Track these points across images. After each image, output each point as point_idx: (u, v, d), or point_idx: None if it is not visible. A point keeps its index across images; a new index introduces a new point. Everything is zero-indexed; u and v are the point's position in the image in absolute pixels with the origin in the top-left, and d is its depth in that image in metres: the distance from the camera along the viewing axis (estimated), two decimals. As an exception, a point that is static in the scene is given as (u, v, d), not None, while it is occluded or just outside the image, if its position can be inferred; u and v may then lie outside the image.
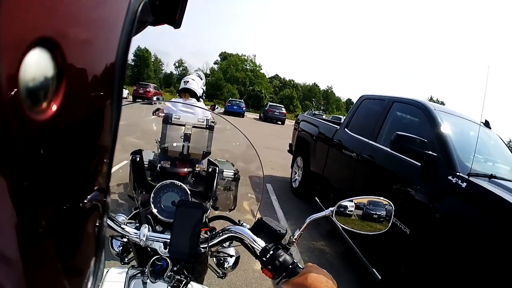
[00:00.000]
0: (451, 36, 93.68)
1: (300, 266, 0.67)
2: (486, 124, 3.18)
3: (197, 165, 1.20)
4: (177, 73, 56.58)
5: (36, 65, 0.19)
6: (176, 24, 0.41)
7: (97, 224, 0.30)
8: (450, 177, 2.10)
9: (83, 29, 0.23)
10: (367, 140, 3.32)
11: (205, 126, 1.22)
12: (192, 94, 3.14)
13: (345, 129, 3.84)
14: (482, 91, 1.96)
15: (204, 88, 3.59)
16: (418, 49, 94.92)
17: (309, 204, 4.79)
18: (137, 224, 0.84)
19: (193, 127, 1.19)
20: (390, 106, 3.30)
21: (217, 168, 0.93)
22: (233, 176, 1.10)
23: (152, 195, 0.88)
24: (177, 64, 57.41)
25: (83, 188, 0.27)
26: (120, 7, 0.26)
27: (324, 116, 27.65)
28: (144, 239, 0.76)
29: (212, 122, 1.24)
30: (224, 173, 1.10)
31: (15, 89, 0.18)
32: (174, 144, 1.18)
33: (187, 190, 0.90)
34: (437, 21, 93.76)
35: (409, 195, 2.39)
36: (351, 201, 0.77)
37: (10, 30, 0.17)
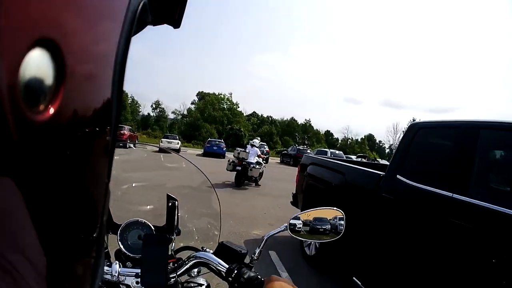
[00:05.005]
0: (432, 54, 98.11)
1: (263, 280, 0.70)
2: None
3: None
4: (155, 115, 56.03)
5: (36, 65, 0.19)
6: (176, 23, 0.41)
7: (93, 255, 0.28)
8: None
9: (83, 29, 0.22)
10: (447, 192, 2.02)
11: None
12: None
13: (398, 176, 2.47)
14: None
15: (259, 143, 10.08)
16: (396, 73, 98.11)
17: (334, 278, 3.32)
18: (109, 263, 0.84)
19: None
20: (476, 136, 2.04)
21: (176, 202, 0.93)
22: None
23: (118, 232, 0.90)
24: (154, 106, 55.81)
25: (79, 195, 0.26)
26: (120, 7, 0.26)
27: (309, 151, 26.45)
28: (117, 275, 0.79)
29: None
30: None
31: (15, 89, 0.17)
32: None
33: (151, 226, 0.93)
34: (418, 43, 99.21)
35: None
36: (298, 218, 0.86)
37: (10, 30, 0.16)
